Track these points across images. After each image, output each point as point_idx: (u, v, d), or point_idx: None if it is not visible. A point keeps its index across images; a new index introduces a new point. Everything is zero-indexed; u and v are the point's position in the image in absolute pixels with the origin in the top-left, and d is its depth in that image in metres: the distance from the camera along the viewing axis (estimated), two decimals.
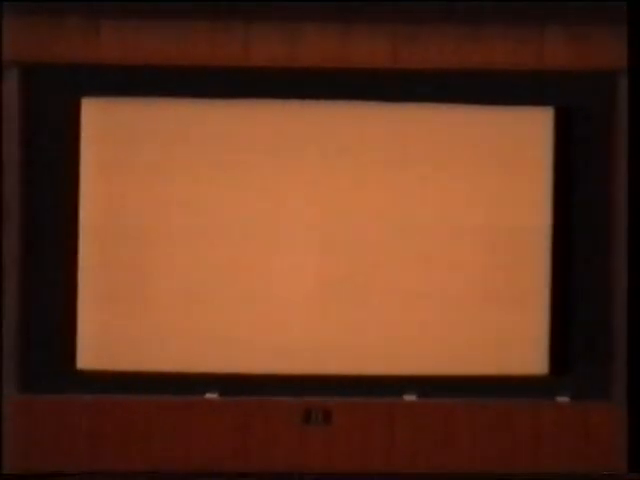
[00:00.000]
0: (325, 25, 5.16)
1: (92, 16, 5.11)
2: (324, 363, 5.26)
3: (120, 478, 4.60)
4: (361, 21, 5.15)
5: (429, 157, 5.35)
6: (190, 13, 5.10)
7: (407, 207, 5.35)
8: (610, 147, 5.35)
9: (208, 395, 5.21)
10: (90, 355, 5.28)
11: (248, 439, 5.17)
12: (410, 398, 5.23)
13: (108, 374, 5.25)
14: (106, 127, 5.33)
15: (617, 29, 5.13)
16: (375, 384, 5.25)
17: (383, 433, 5.18)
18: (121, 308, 5.31)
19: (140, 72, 5.24)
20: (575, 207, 5.39)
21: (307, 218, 5.35)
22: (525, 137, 5.32)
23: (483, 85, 5.28)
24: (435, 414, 5.20)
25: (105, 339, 5.31)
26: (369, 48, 5.15)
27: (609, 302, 5.32)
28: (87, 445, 5.14)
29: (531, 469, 5.12)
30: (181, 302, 5.30)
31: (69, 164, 5.29)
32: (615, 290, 5.25)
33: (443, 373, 5.27)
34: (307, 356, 5.27)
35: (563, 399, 5.24)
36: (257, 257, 5.34)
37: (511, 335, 5.31)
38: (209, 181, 5.34)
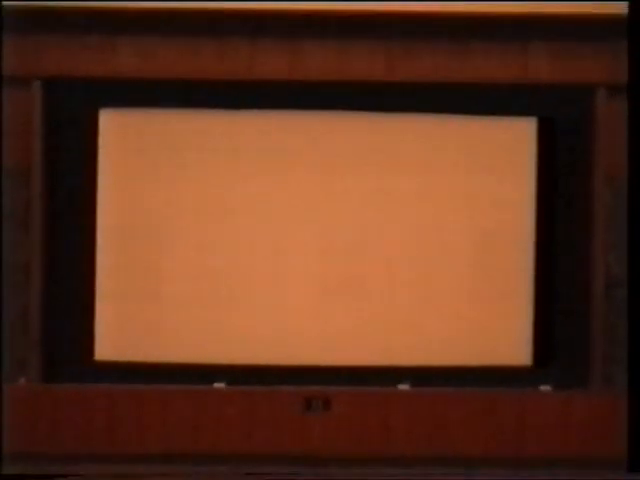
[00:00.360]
0: (324, 41, 5.33)
1: (109, 33, 5.30)
2: (324, 355, 5.39)
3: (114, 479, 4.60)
4: (358, 37, 5.28)
5: (422, 164, 5.51)
6: (199, 31, 5.26)
7: (401, 210, 5.51)
8: (588, 154, 5.48)
9: (216, 385, 5.34)
10: (107, 347, 5.44)
11: (253, 425, 5.27)
12: (404, 387, 5.36)
13: (124, 365, 5.39)
14: (122, 135, 5.51)
15: (596, 46, 5.31)
16: (371, 374, 5.38)
17: (379, 420, 5.29)
18: (136, 304, 5.45)
19: (153, 85, 5.38)
20: (556, 209, 5.51)
21: (309, 223, 5.47)
22: (511, 145, 5.51)
23: (472, 97, 5.42)
24: (427, 402, 5.32)
25: (121, 332, 5.45)
26: (366, 63, 5.30)
27: (588, 299, 5.46)
28: (104, 429, 5.25)
29: (516, 453, 5.23)
30: (191, 299, 5.44)
31: (88, 169, 5.43)
32: (593, 288, 5.41)
33: (434, 364, 5.40)
34: (308, 349, 5.41)
35: (546, 388, 5.38)
36: (262, 259, 5.47)
37: (497, 329, 5.45)
38: (217, 186, 5.47)
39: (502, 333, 5.47)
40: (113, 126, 5.46)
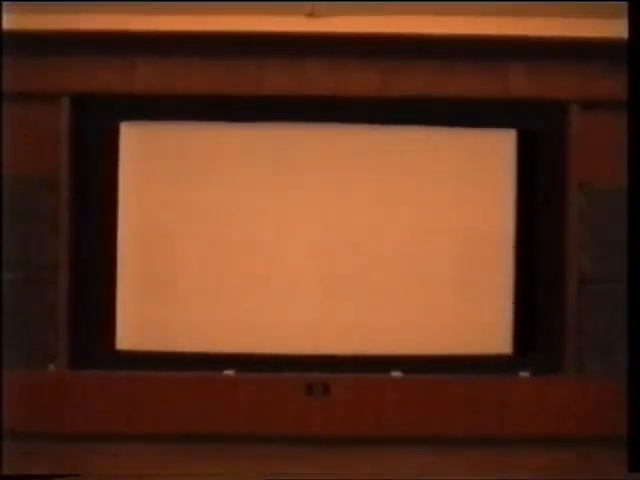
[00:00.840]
0: (325, 60, 5.40)
1: (129, 54, 5.36)
2: (324, 345, 5.49)
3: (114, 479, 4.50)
4: (355, 57, 5.39)
5: (413, 171, 5.56)
6: (212, 51, 5.34)
7: (394, 213, 5.56)
8: (563, 162, 5.56)
9: (226, 372, 5.47)
10: (127, 338, 5.54)
11: (260, 408, 5.39)
12: (396, 374, 5.49)
13: (142, 354, 5.51)
14: (140, 146, 5.55)
15: (569, 66, 5.41)
16: (366, 362, 5.48)
17: (373, 403, 5.41)
18: (153, 299, 5.55)
19: (169, 100, 5.48)
20: (534, 212, 5.59)
21: (310, 225, 5.57)
22: (493, 154, 5.57)
23: (458, 111, 5.50)
24: (417, 387, 5.44)
25: (140, 324, 5.55)
26: (362, 79, 5.41)
27: (562, 294, 5.54)
28: (125, 412, 5.37)
29: (497, 432, 5.36)
30: (204, 294, 5.54)
31: (110, 177, 5.53)
32: (567, 284, 5.51)
33: (424, 353, 5.51)
34: (309, 339, 5.52)
35: (524, 374, 5.50)
36: (268, 258, 5.56)
37: (481, 321, 5.55)
38: (227, 191, 5.55)
39: (485, 325, 5.55)
40: (132, 138, 5.52)
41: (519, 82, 5.44)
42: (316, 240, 5.60)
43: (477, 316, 5.58)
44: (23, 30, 5.15)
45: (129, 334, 5.56)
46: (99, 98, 5.51)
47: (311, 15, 5.15)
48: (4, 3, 4.86)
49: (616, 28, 5.10)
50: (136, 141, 5.56)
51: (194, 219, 5.57)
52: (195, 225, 5.57)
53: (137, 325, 5.58)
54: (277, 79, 5.43)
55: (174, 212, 5.57)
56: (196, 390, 5.42)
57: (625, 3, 4.75)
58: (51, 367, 5.44)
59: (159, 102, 5.51)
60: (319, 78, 5.43)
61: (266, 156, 5.55)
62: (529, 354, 5.60)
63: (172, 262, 5.58)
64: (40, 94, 5.39)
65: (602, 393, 5.43)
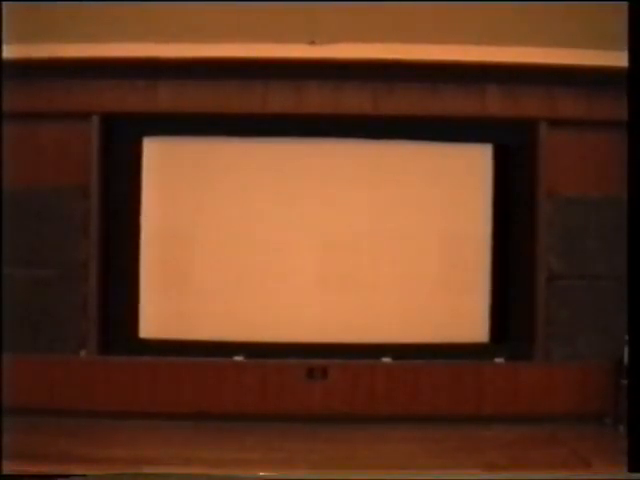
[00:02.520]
0: (323, 82, 5.58)
1: (152, 77, 5.57)
2: (323, 334, 5.68)
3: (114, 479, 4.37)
4: (350, 79, 5.58)
5: (402, 180, 5.73)
6: (223, 74, 5.54)
7: (384, 217, 5.74)
8: (532, 172, 5.72)
9: (236, 358, 5.65)
10: (150, 327, 5.71)
11: (266, 390, 5.57)
12: (386, 360, 5.67)
13: (163, 341, 5.68)
14: (162, 158, 5.73)
15: (538, 88, 5.58)
16: (361, 349, 5.66)
17: (366, 386, 5.61)
18: (172, 292, 5.72)
19: (186, 118, 5.66)
20: (508, 217, 5.79)
21: (311, 228, 5.73)
22: (472, 166, 5.77)
23: (440, 127, 5.69)
24: (405, 372, 5.62)
25: (161, 315, 5.72)
26: (356, 99, 5.60)
27: (532, 289, 5.70)
28: (147, 393, 5.56)
29: (475, 412, 5.55)
30: (217, 288, 5.70)
31: (134, 186, 5.73)
32: (537, 280, 5.67)
33: (411, 341, 5.70)
34: (310, 329, 5.68)
35: (499, 360, 5.70)
36: (274, 257, 5.72)
37: (461, 313, 5.74)
38: (237, 198, 5.73)
39: (465, 317, 5.72)
40: (154, 151, 5.70)
41: (494, 102, 5.62)
42: (316, 241, 5.76)
43: (458, 308, 5.74)
44: (58, 57, 5.40)
45: (151, 324, 5.72)
46: (125, 116, 5.67)
47: (312, 43, 5.38)
48: (41, 32, 5.16)
49: (579, 56, 5.45)
50: (157, 154, 5.72)
51: (208, 222, 5.72)
52: (209, 227, 5.72)
53: (158, 316, 5.73)
54: (280, 99, 5.59)
55: (191, 216, 5.72)
56: (210, 374, 5.59)
57: (588, 34, 5.20)
58: (83, 353, 5.63)
59: (178, 119, 5.67)
60: (318, 98, 5.60)
61: (271, 167, 5.71)
62: (503, 342, 5.76)
63: (189, 260, 5.74)
64: (73, 113, 5.61)
65: (565, 376, 5.62)
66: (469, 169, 5.78)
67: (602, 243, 5.66)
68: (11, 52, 5.12)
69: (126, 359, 5.65)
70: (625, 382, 4.96)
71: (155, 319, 5.75)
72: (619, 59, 4.82)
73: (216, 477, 4.29)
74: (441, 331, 5.73)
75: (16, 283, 5.52)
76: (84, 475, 4.28)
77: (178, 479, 4.17)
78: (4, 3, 4.92)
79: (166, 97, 5.60)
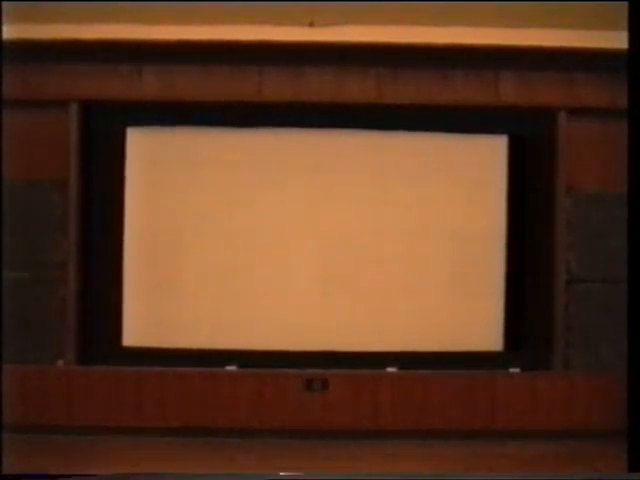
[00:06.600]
0: (323, 68, 5.47)
1: (136, 62, 5.42)
2: (322, 342, 5.54)
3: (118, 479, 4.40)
4: (352, 65, 5.47)
5: (409, 175, 5.61)
6: (214, 59, 5.41)
7: (391, 215, 5.61)
8: (551, 166, 5.62)
9: (228, 367, 5.52)
10: (134, 334, 5.58)
11: (261, 403, 5.45)
12: (392, 370, 5.55)
13: (148, 350, 5.55)
14: (146, 150, 5.59)
15: (557, 75, 5.49)
16: (363, 359, 5.55)
17: (369, 398, 5.48)
18: (158, 297, 5.59)
19: (173, 106, 5.52)
20: (524, 214, 5.65)
21: (310, 227, 5.62)
22: (485, 159, 5.63)
23: (451, 117, 5.56)
24: (412, 382, 5.50)
25: (145, 321, 5.60)
26: (358, 87, 5.49)
27: (551, 293, 5.60)
28: (131, 406, 5.42)
29: (489, 426, 5.43)
30: (206, 292, 5.58)
31: (117, 179, 5.56)
32: (555, 283, 5.57)
33: (419, 350, 5.57)
34: (309, 336, 5.56)
35: (515, 370, 5.58)
36: (269, 259, 5.60)
37: (473, 319, 5.62)
38: (228, 193, 5.59)
39: (477, 323, 5.62)
40: (138, 142, 5.58)
41: (510, 90, 5.51)
42: (315, 241, 5.65)
43: (469, 314, 5.64)
44: (33, 39, 5.22)
45: (135, 331, 5.61)
46: (106, 104, 5.54)
47: (311, 25, 5.24)
48: (12, 12, 4.84)
49: (601, 39, 5.27)
50: (142, 145, 5.61)
51: (197, 220, 5.61)
52: (198, 225, 5.60)
53: (143, 322, 5.62)
54: (276, 86, 5.49)
55: (178, 214, 5.61)
56: (199, 385, 5.48)
57: (610, 15, 4.94)
58: (60, 362, 5.49)
59: (164, 108, 5.55)
60: (317, 85, 5.50)
61: (266, 160, 5.59)
62: (519, 351, 5.66)
63: (177, 262, 5.62)
64: (50, 101, 5.45)
65: (587, 388, 5.52)
66: (482, 163, 5.66)
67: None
68: None
69: (108, 369, 5.53)
70: None
71: (139, 325, 5.63)
72: None
73: (216, 477, 4.28)
74: (451, 338, 5.62)
75: None
76: (84, 475, 4.33)
77: (178, 479, 4.17)
78: None
79: (152, 83, 5.49)
